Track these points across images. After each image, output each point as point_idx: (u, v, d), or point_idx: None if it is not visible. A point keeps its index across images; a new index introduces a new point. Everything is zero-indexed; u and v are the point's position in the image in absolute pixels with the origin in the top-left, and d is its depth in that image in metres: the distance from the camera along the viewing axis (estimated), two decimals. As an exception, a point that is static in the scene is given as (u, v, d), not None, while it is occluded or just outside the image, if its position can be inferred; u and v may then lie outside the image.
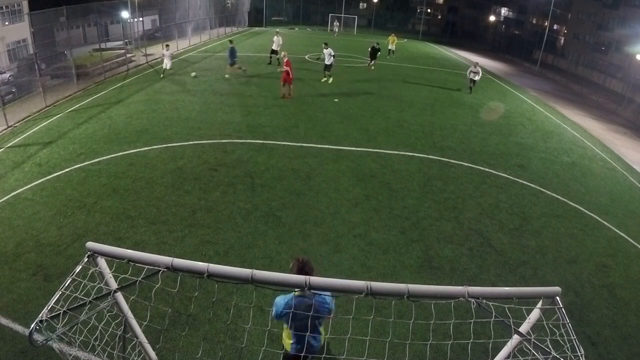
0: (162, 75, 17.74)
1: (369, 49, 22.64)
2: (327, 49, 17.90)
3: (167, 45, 18.12)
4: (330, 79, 18.20)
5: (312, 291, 3.35)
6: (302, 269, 3.52)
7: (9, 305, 5.31)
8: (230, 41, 18.25)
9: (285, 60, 15.01)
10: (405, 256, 7.01)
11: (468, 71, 19.67)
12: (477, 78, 19.20)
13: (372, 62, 22.58)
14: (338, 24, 40.69)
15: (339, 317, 4.53)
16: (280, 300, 3.61)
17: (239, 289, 5.13)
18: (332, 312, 3.78)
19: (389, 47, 27.73)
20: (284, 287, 3.15)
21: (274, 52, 21.00)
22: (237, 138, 11.27)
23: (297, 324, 3.54)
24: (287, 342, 3.84)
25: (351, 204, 8.52)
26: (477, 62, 19.89)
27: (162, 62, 18.33)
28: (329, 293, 3.65)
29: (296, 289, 3.44)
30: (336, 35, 38.30)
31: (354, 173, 9.84)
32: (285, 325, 3.76)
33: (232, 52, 17.41)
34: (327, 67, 18.09)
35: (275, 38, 21.29)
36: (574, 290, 6.64)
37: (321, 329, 3.85)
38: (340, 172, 9.85)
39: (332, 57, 17.85)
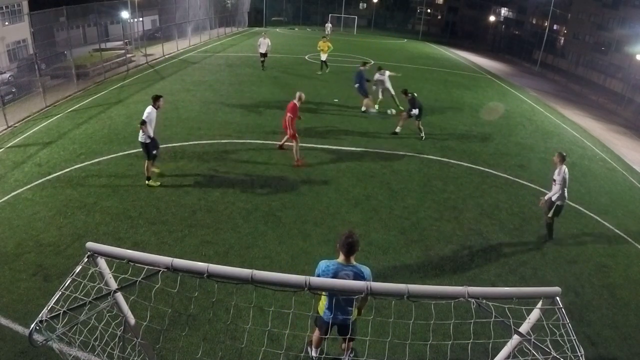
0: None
1: (408, 105, 12.05)
2: (382, 74, 14.25)
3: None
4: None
5: (354, 263, 3.96)
6: (348, 238, 3.88)
7: (9, 305, 5.30)
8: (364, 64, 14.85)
9: (297, 103, 9.79)
10: (405, 256, 7.01)
11: (556, 194, 7.38)
12: (564, 201, 7.49)
13: (399, 123, 12.45)
14: (330, 25, 37.75)
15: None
16: (323, 264, 4.01)
17: (239, 289, 5.12)
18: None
19: (323, 59, 19.86)
20: (284, 287, 3.15)
21: (264, 55, 19.47)
22: (237, 138, 11.27)
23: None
24: (322, 307, 4.18)
25: (351, 204, 8.52)
26: (566, 154, 7.45)
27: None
28: (367, 268, 4.02)
29: (339, 258, 3.96)
30: (329, 38, 37.14)
31: (354, 173, 9.84)
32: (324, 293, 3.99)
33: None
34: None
35: (262, 39, 19.30)
36: (574, 290, 6.63)
37: (353, 308, 4.02)
38: (340, 172, 9.84)
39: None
